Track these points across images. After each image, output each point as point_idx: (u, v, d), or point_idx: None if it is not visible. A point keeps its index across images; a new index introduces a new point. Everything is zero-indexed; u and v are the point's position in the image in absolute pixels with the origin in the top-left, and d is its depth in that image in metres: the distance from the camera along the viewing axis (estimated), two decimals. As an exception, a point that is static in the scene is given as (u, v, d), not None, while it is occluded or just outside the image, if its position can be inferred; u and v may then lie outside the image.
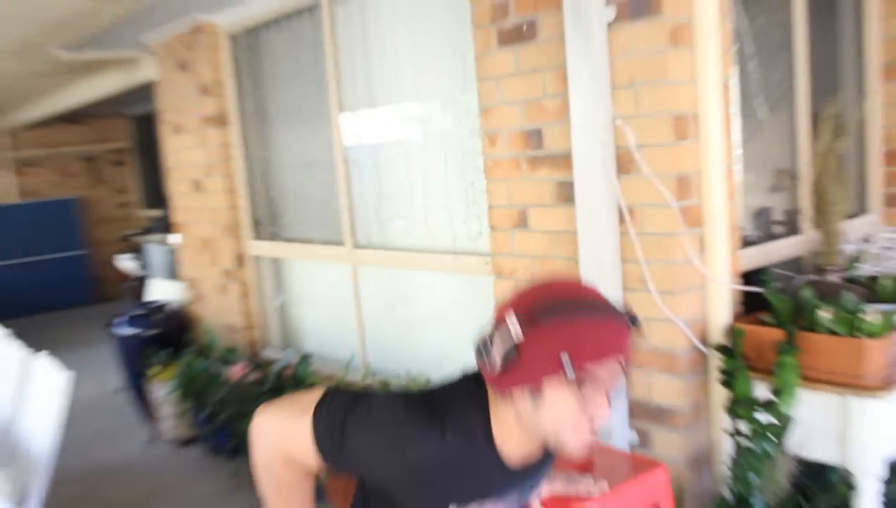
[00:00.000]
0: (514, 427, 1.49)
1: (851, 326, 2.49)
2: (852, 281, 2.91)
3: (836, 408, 2.53)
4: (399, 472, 1.47)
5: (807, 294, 2.65)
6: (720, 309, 2.77)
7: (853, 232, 3.24)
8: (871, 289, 2.85)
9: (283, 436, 1.54)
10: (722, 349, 2.70)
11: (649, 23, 2.68)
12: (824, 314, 2.53)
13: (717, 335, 2.77)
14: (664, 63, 2.68)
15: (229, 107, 5.18)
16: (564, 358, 1.36)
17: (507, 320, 1.42)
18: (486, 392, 1.51)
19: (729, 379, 2.65)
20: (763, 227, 3.31)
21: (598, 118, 2.83)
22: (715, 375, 2.75)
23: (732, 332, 2.71)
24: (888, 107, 3.77)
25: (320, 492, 1.70)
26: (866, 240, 3.16)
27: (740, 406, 2.61)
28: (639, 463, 2.45)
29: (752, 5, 3.24)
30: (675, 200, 2.70)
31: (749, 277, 2.95)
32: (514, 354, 1.39)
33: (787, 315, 2.65)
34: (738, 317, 2.83)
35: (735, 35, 2.97)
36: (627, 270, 2.85)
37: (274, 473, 1.58)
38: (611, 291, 2.85)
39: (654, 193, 2.75)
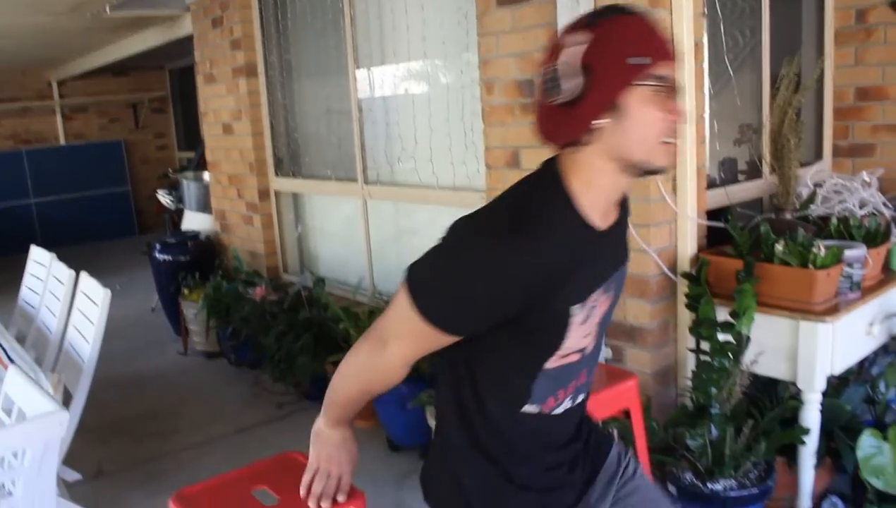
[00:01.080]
0: (594, 176, 1.26)
1: (803, 258, 2.45)
2: (805, 219, 2.87)
3: (788, 330, 2.50)
4: (517, 294, 1.21)
5: (764, 229, 2.61)
6: (688, 242, 2.74)
7: (808, 177, 3.18)
8: (821, 228, 2.80)
9: (377, 353, 1.36)
10: (688, 276, 2.67)
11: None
12: (780, 247, 2.49)
13: (685, 264, 2.73)
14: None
15: (257, 60, 5.08)
16: (633, 61, 1.19)
17: (566, 46, 1.20)
18: (551, 169, 1.29)
19: (694, 304, 2.62)
20: (728, 173, 3.25)
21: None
22: (682, 300, 2.72)
23: (698, 262, 2.68)
24: (839, 69, 3.68)
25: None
26: (818, 185, 3.10)
27: (703, 327, 2.58)
28: (613, 374, 2.43)
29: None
30: (651, 144, 2.65)
31: (714, 215, 2.91)
32: (586, 75, 1.18)
33: (746, 247, 2.61)
34: (703, 249, 2.80)
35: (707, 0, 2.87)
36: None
37: (353, 386, 1.45)
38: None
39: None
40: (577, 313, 1.30)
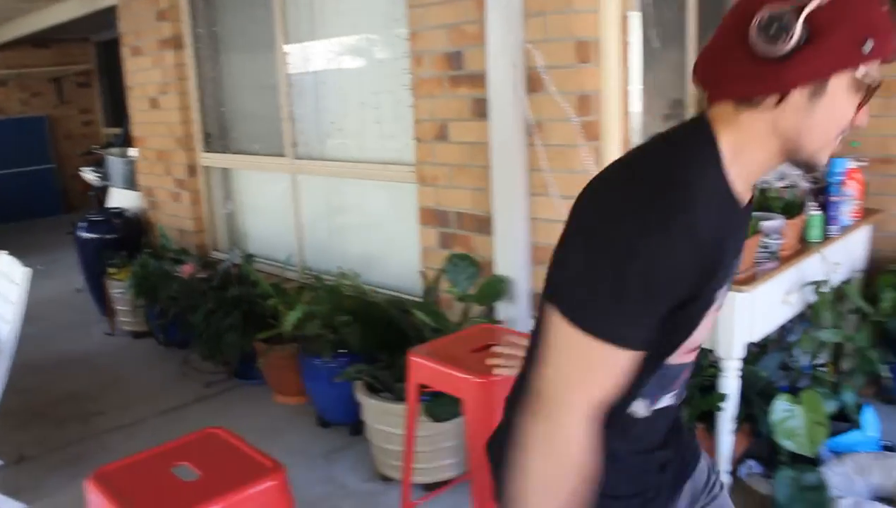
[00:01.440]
0: (750, 149, 1.07)
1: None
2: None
3: (708, 299, 2.57)
4: (688, 279, 1.01)
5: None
6: (612, 214, 2.78)
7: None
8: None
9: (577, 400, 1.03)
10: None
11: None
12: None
13: (609, 236, 2.77)
14: (572, -7, 2.63)
15: (184, 32, 4.95)
16: (867, 48, 1.00)
17: None
18: (704, 124, 1.09)
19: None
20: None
21: (510, 42, 2.79)
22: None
23: (622, 233, 2.72)
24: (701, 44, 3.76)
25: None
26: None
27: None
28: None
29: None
30: (576, 116, 2.68)
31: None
32: (812, 34, 0.99)
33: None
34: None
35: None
36: (534, 178, 2.83)
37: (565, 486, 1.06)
38: (519, 196, 2.84)
39: (559, 110, 2.72)
40: (718, 298, 1.14)
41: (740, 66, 1.04)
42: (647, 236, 0.98)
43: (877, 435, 2.92)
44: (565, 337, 1.02)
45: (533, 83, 2.78)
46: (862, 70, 1.02)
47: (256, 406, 3.73)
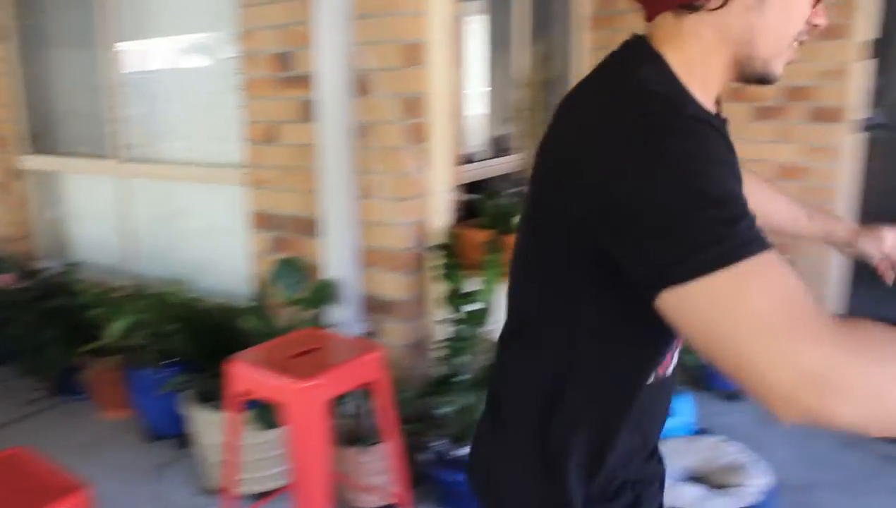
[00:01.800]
0: (700, 61, 0.94)
1: (543, 228, 2.60)
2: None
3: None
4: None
5: (508, 202, 2.74)
6: (440, 215, 2.82)
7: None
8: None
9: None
10: (439, 248, 2.75)
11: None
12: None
13: (438, 237, 2.82)
14: (399, -3, 2.66)
15: (6, 24, 4.63)
16: None
17: None
18: (640, 45, 0.96)
19: (445, 275, 2.71)
20: (489, 148, 3.39)
21: (338, 44, 2.77)
22: (434, 272, 2.80)
23: (449, 234, 2.77)
24: (596, 52, 3.94)
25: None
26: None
27: (453, 297, 2.68)
28: (359, 346, 2.45)
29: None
30: (404, 119, 2.70)
31: (476, 188, 3.03)
32: None
33: (494, 219, 2.73)
34: (458, 222, 2.90)
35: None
36: (363, 180, 2.82)
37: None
38: (347, 199, 2.83)
39: (387, 112, 2.73)
40: None
41: None
42: (685, 146, 0.81)
43: (692, 420, 3.10)
44: (725, 282, 0.73)
45: (362, 85, 2.78)
46: None
47: (80, 422, 3.52)
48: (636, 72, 0.91)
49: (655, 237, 0.78)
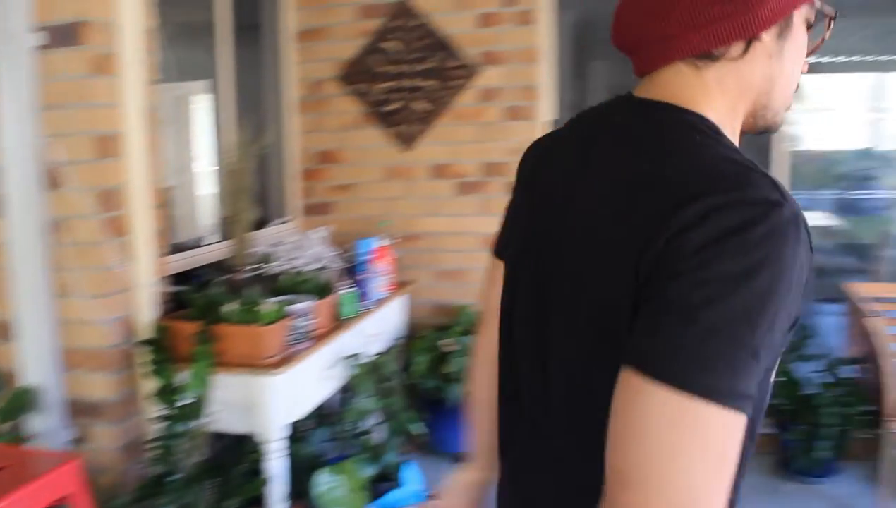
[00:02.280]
0: (728, 112, 0.88)
1: (252, 316, 2.63)
2: (261, 278, 3.09)
3: (245, 386, 2.65)
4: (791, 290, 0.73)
5: (217, 291, 2.75)
6: (146, 309, 2.75)
7: (271, 236, 3.45)
8: (276, 284, 3.05)
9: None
10: (147, 344, 2.68)
11: (75, 51, 2.57)
12: (230, 307, 2.64)
13: (145, 332, 2.74)
14: (91, 88, 2.60)
15: None
16: None
17: None
18: (682, 111, 0.86)
19: (155, 371, 2.64)
20: (199, 235, 3.37)
21: (26, 136, 2.65)
22: (144, 368, 2.72)
23: (157, 328, 2.71)
24: (303, 134, 4.09)
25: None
26: (277, 244, 3.37)
27: (165, 393, 2.62)
28: (54, 459, 2.31)
29: (180, 40, 3.28)
30: (101, 212, 2.63)
31: (186, 278, 2.99)
32: None
33: (203, 310, 2.72)
34: (167, 314, 2.84)
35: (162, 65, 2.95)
36: (59, 277, 2.69)
37: None
38: (43, 298, 2.68)
39: (83, 206, 2.64)
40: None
41: (699, 7, 0.84)
42: (784, 256, 0.73)
43: (421, 487, 3.25)
44: (666, 413, 0.70)
45: (54, 179, 2.67)
46: (822, 7, 0.91)
47: None
48: (706, 140, 0.82)
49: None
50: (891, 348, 3.14)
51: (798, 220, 0.74)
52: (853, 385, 3.49)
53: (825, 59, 6.23)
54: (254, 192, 2.96)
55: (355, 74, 3.96)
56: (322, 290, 3.08)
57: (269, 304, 2.65)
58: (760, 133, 0.95)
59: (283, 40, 4.01)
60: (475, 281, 3.89)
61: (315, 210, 4.12)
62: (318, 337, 2.95)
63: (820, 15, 0.90)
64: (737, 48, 0.84)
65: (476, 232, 3.86)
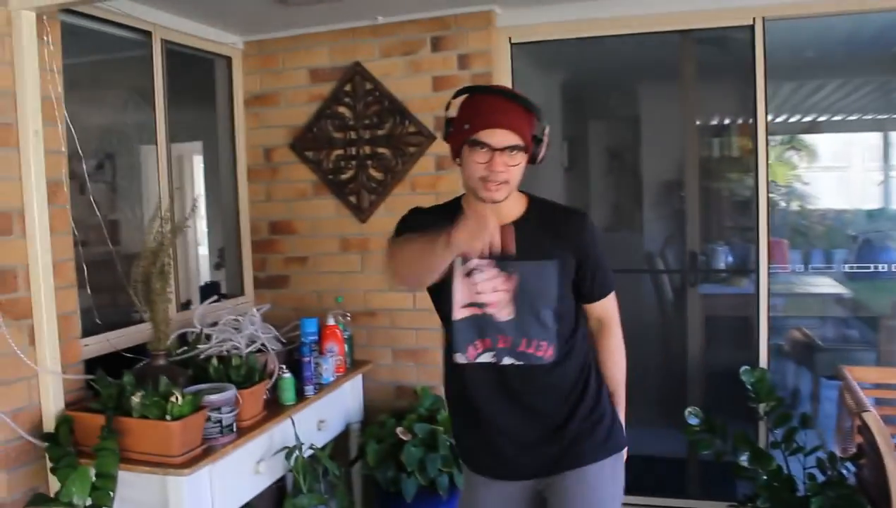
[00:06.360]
0: (468, 192, 1.99)
1: (161, 409, 2.46)
2: (185, 364, 2.94)
3: (156, 486, 2.47)
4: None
5: (128, 379, 2.59)
6: (52, 399, 2.59)
7: (210, 314, 3.29)
8: (204, 369, 2.88)
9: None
10: (49, 438, 2.52)
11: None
12: (137, 399, 2.48)
13: (48, 424, 2.58)
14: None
15: None
16: (465, 126, 1.88)
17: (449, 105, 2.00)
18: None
19: (53, 469, 2.47)
20: (116, 317, 3.19)
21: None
22: (46, 464, 2.55)
23: (61, 420, 2.55)
24: (253, 204, 3.98)
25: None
26: (214, 323, 3.22)
27: (65, 491, 2.43)
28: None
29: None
30: (-2, 295, 2.49)
31: (111, 362, 2.85)
32: (449, 127, 1.95)
33: (111, 400, 2.56)
34: (77, 404, 2.68)
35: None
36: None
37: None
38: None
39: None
40: (457, 267, 1.98)
41: None
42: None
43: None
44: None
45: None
46: (470, 138, 1.86)
47: None
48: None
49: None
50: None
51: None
52: (851, 487, 3.21)
53: (832, 118, 6.14)
54: (169, 272, 2.81)
55: (307, 141, 3.86)
56: (256, 376, 2.91)
57: (181, 395, 2.48)
58: (480, 199, 1.93)
59: (234, 106, 3.94)
60: (436, 362, 3.71)
61: (269, 283, 3.98)
62: (246, 429, 2.77)
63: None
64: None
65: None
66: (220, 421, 2.64)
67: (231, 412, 2.68)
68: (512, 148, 1.86)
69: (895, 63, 4.91)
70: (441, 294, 2.03)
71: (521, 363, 2.02)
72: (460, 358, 2.04)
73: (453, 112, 1.94)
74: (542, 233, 2.00)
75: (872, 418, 2.96)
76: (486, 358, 2.02)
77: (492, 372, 2.03)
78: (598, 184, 5.29)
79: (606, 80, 5.89)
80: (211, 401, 2.60)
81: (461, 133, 1.88)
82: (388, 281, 2.19)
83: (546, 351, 2.02)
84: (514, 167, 1.89)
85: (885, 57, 4.79)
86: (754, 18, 3.47)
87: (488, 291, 1.98)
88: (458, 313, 2.01)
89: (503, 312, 1.99)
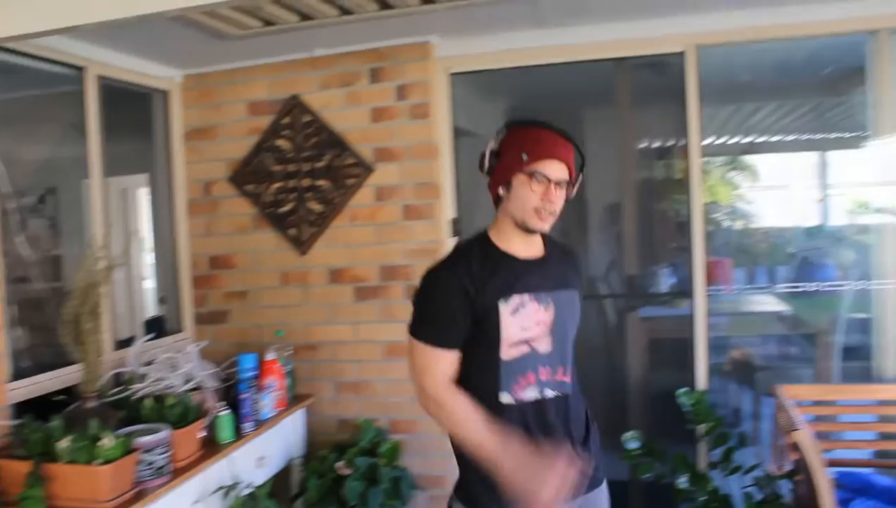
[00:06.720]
0: (504, 224, 2.05)
1: (89, 454, 2.42)
2: (118, 405, 2.89)
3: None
4: (461, 295, 1.94)
5: (56, 424, 2.54)
6: (-27, 447, 2.54)
7: (145, 353, 3.25)
8: (137, 410, 2.84)
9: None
10: (-29, 488, 2.46)
11: None
12: (64, 444, 2.43)
13: (-25, 472, 2.52)
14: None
15: None
16: (523, 155, 1.95)
17: (494, 137, 2.04)
18: (485, 228, 2.10)
19: (-22, 519, 2.41)
20: (50, 358, 3.13)
21: None
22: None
23: (-16, 469, 2.49)
24: (193, 238, 3.94)
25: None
26: (150, 363, 3.18)
27: (-11, 545, 2.38)
28: None
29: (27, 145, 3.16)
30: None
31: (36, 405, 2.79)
32: (495, 158, 2.02)
33: (38, 446, 2.50)
34: (3, 451, 2.62)
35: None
36: None
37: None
38: None
39: None
40: (512, 303, 1.97)
41: (488, 185, 2.08)
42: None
43: None
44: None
45: None
46: (529, 169, 1.95)
47: None
48: (467, 239, 2.14)
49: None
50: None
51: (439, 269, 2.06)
52: (787, 504, 3.27)
53: (770, 139, 6.29)
54: (100, 312, 2.78)
55: (246, 174, 3.85)
56: (191, 415, 2.88)
57: (112, 438, 2.44)
58: (527, 229, 2.03)
59: (172, 139, 3.91)
60: (378, 393, 3.70)
61: (209, 319, 3.94)
62: (181, 470, 2.74)
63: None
64: (499, 198, 2.07)
65: (377, 340, 3.69)
66: (152, 463, 2.60)
67: (164, 453, 2.64)
68: (564, 182, 1.98)
69: (826, 86, 5.06)
70: (485, 334, 1.98)
71: (557, 393, 2.05)
72: (506, 398, 1.99)
73: (499, 142, 2.01)
74: (562, 264, 2.14)
75: (803, 436, 3.01)
76: (532, 392, 2.01)
77: (536, 406, 2.01)
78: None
79: (550, 106, 5.95)
80: (143, 443, 2.57)
81: (517, 163, 1.95)
82: (421, 403, 1.99)
83: (570, 377, 2.09)
84: (561, 200, 2.00)
85: (816, 80, 4.93)
86: (685, 46, 3.53)
87: (532, 325, 1.99)
88: (508, 352, 1.98)
89: (543, 344, 2.01)
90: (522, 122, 2.02)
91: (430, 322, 1.98)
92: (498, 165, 2.00)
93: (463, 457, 1.99)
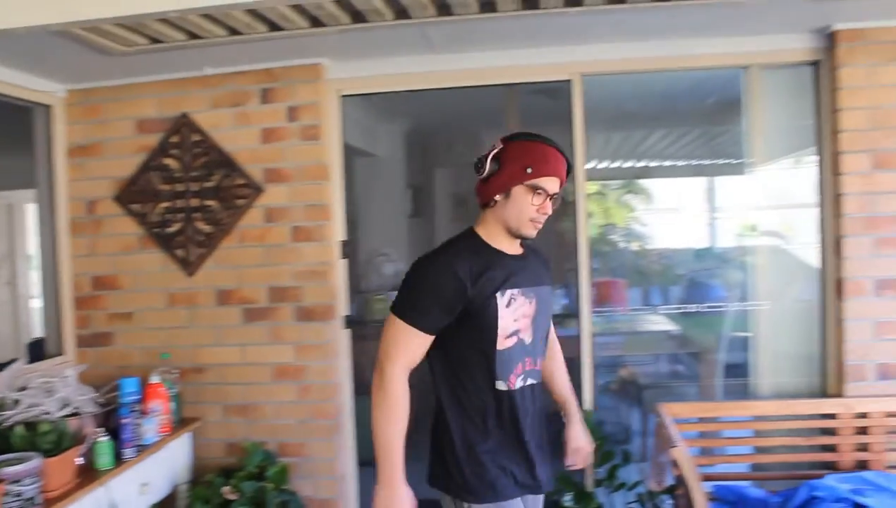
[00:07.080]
0: (493, 226, 2.20)
1: (-50, 485, 2.33)
2: (-12, 432, 2.79)
3: (-55, 568, 2.33)
4: (455, 285, 2.07)
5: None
6: None
7: (18, 378, 3.13)
8: (7, 439, 2.74)
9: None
10: None
11: None
12: (-77, 476, 2.33)
13: None
14: None
15: None
16: (528, 169, 2.09)
17: (496, 145, 2.15)
18: (470, 227, 2.25)
19: None
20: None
21: None
22: None
23: None
24: (76, 258, 3.83)
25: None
26: (23, 388, 3.07)
27: None
28: None
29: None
30: None
31: None
32: (496, 165, 2.13)
33: None
34: None
35: None
36: None
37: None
38: None
39: None
40: (506, 298, 2.13)
41: (479, 185, 2.19)
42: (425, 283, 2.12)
43: None
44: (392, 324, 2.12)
45: None
46: (531, 182, 2.10)
47: None
48: (455, 237, 2.30)
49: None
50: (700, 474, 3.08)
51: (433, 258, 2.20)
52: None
53: (663, 164, 6.53)
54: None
55: (133, 193, 3.77)
56: (66, 442, 2.79)
57: (-26, 469, 2.35)
58: (519, 237, 2.22)
59: (54, 156, 3.79)
60: (267, 416, 3.66)
61: (92, 341, 3.83)
62: (53, 500, 2.65)
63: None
64: (491, 203, 2.19)
65: (265, 362, 3.65)
66: (20, 494, 2.51)
67: (34, 483, 2.56)
68: (556, 196, 2.17)
69: (709, 115, 5.29)
70: (482, 325, 2.12)
71: (534, 381, 2.26)
72: (502, 386, 2.16)
73: (500, 152, 2.14)
74: (537, 262, 2.32)
75: (679, 452, 3.13)
76: (521, 381, 2.19)
77: (520, 393, 2.19)
78: (443, 231, 5.39)
79: (450, 128, 6.06)
80: (9, 474, 2.48)
81: (521, 175, 2.09)
82: (374, 377, 2.08)
83: (541, 367, 2.31)
84: (551, 210, 2.18)
85: (700, 109, 5.15)
86: (571, 74, 3.65)
87: (520, 317, 2.16)
88: (504, 342, 2.14)
89: (528, 335, 2.19)
90: (527, 136, 2.15)
91: (416, 303, 2.08)
92: (498, 173, 2.12)
93: (457, 459, 2.16)
